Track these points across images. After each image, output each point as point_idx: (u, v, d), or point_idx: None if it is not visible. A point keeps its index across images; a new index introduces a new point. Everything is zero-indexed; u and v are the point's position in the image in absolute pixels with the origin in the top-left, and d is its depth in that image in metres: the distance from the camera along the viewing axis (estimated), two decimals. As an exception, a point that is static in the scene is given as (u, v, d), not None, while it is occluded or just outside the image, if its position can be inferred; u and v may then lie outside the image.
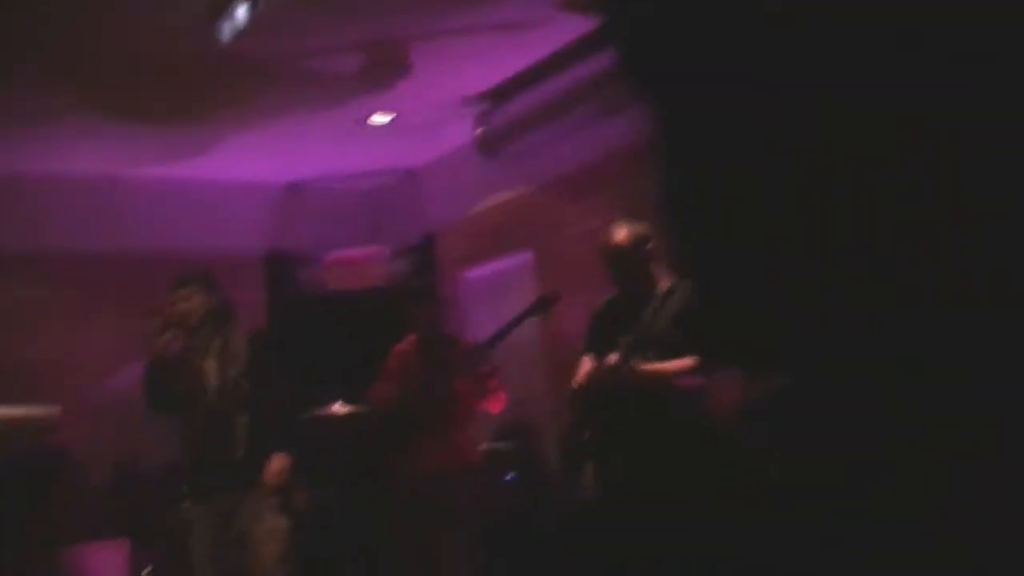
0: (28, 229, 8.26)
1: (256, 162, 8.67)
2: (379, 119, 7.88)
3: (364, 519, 7.35)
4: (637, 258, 5.12)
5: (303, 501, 6.12)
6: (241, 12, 5.70)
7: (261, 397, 5.70)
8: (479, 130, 7.80)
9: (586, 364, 5.35)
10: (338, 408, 6.97)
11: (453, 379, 6.39)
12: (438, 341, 6.69)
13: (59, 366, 8.18)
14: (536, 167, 7.79)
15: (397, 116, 7.84)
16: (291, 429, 5.88)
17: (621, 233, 5.13)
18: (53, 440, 6.42)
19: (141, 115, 7.36)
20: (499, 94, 7.58)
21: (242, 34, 5.82)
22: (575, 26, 6.53)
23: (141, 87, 6.96)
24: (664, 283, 5.14)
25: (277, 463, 5.66)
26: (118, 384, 8.03)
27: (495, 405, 6.60)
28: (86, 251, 8.44)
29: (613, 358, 4.99)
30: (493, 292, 8.56)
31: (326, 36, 6.36)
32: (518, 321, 6.03)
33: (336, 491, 7.19)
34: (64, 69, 6.55)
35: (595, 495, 5.26)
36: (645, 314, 5.08)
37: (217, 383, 5.74)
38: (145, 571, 7.25)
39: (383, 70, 6.76)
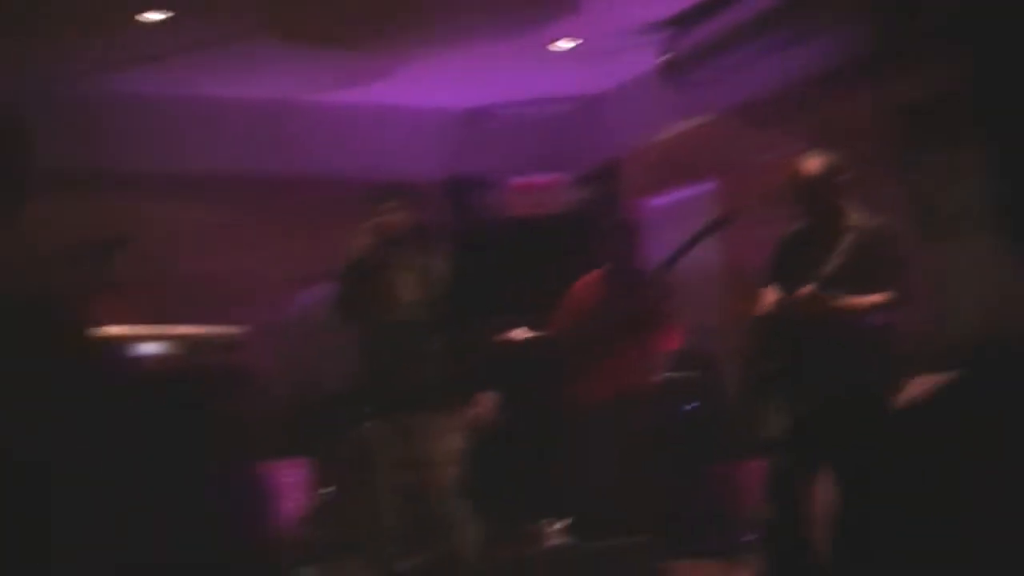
0: (209, 151, 8.44)
1: (438, 87, 8.68)
2: (563, 44, 7.80)
3: (543, 441, 7.36)
4: (828, 190, 4.99)
5: (483, 423, 6.12)
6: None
7: (451, 319, 5.70)
8: (664, 56, 7.64)
9: (769, 294, 5.24)
10: (518, 333, 6.98)
11: (634, 305, 6.32)
12: (627, 273, 6.59)
13: (239, 285, 8.35)
14: (722, 94, 7.61)
15: (581, 41, 7.75)
16: (476, 352, 5.88)
17: (813, 163, 4.99)
18: (235, 358, 6.54)
19: (322, 39, 7.40)
20: (685, 19, 7.40)
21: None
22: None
23: (322, 10, 7.00)
24: (854, 217, 5.01)
25: (487, 400, 5.68)
26: (299, 303, 8.16)
27: (672, 341, 6.50)
28: (267, 174, 8.60)
29: (807, 289, 4.87)
30: (676, 221, 8.43)
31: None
32: (694, 242, 5.93)
33: (515, 414, 7.19)
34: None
35: (778, 428, 5.17)
36: (837, 247, 4.96)
37: (412, 300, 5.74)
38: (325, 491, 7.39)
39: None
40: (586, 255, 6.74)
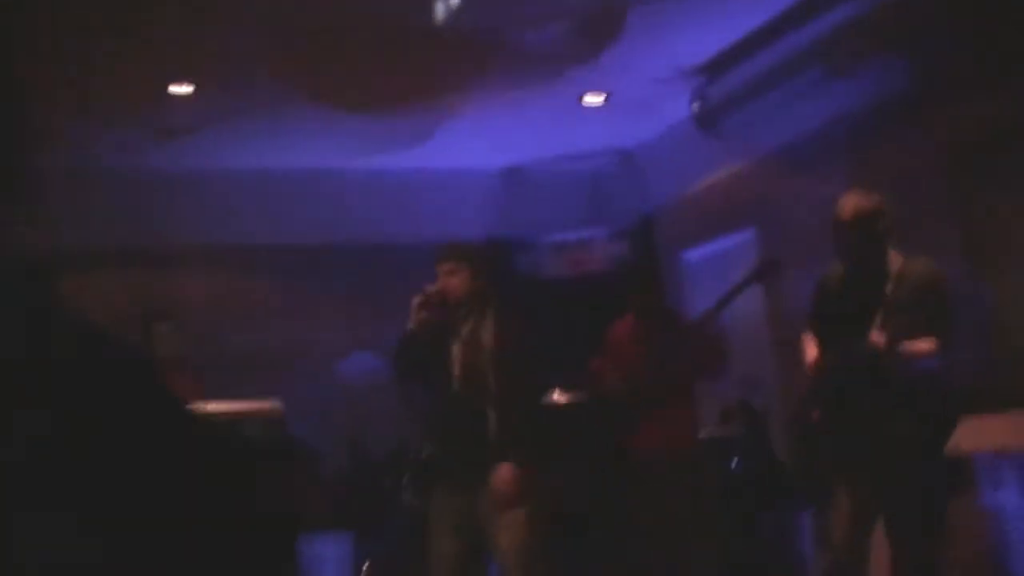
0: (254, 222, 8.44)
1: (473, 147, 8.66)
2: (593, 98, 7.75)
3: (594, 502, 7.26)
4: (872, 233, 4.86)
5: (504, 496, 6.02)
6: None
7: (505, 386, 5.57)
8: (696, 104, 7.57)
9: (810, 341, 5.14)
10: (558, 396, 6.89)
11: (676, 357, 6.22)
12: (660, 321, 6.52)
13: (288, 354, 8.34)
14: (758, 139, 7.53)
15: (612, 94, 7.70)
16: (530, 418, 5.74)
17: (856, 205, 4.86)
18: (283, 430, 6.49)
19: (360, 106, 7.41)
20: (717, 66, 7.34)
21: (456, 14, 5.77)
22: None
23: (360, 77, 7.01)
24: (897, 260, 4.89)
25: (505, 472, 5.46)
26: (346, 372, 8.13)
27: (719, 369, 6.37)
28: (308, 242, 8.58)
29: (878, 337, 4.75)
30: (716, 273, 8.34)
31: (538, 9, 6.27)
32: (742, 288, 5.81)
33: (565, 476, 7.10)
34: (286, 62, 6.64)
35: (829, 479, 5.05)
36: (880, 293, 4.85)
37: (460, 371, 5.61)
38: (365, 566, 7.30)
39: (597, 44, 6.64)
40: (624, 311, 6.67)
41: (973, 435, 5.26)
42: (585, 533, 7.12)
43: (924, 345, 4.71)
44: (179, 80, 6.83)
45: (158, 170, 8.09)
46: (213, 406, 6.18)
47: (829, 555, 5.07)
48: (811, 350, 5.14)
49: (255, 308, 8.52)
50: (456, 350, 5.61)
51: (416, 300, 5.56)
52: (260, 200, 8.51)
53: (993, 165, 5.96)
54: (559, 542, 6.88)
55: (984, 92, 5.88)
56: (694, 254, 8.53)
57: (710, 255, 8.47)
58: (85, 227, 7.88)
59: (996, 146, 5.89)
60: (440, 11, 5.85)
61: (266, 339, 8.39)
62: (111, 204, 8.01)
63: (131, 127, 7.43)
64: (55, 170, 7.55)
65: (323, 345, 8.51)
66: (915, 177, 6.21)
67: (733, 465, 7.11)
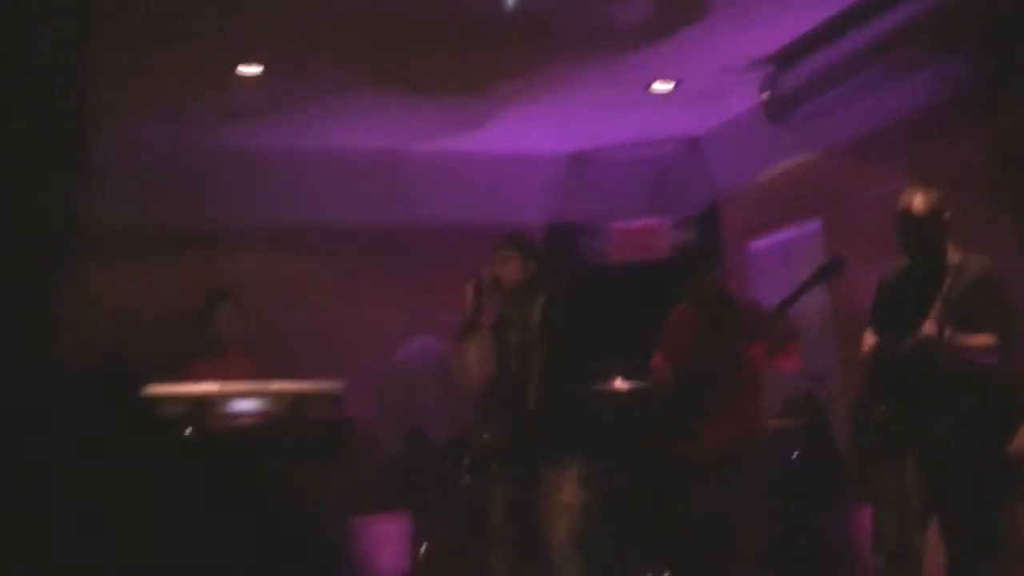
0: (316, 204, 8.48)
1: (538, 133, 8.64)
2: (662, 86, 7.71)
3: (653, 492, 7.24)
4: (935, 228, 4.87)
5: (593, 477, 6.01)
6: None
7: (556, 369, 5.59)
8: (765, 95, 7.51)
9: (870, 337, 5.12)
10: (619, 384, 6.88)
11: (741, 344, 6.19)
12: (723, 305, 6.47)
13: (347, 338, 8.39)
14: (825, 131, 7.46)
15: (680, 82, 7.65)
16: (584, 403, 5.75)
17: (920, 200, 4.86)
18: (342, 412, 6.53)
19: (425, 88, 7.42)
20: (786, 56, 7.27)
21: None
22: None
23: (426, 59, 7.01)
24: (955, 255, 4.87)
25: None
26: (406, 356, 8.15)
27: (790, 363, 6.35)
28: (371, 226, 8.62)
29: (930, 327, 4.72)
30: (780, 263, 8.28)
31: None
32: (808, 287, 5.77)
33: (623, 465, 7.08)
34: (352, 43, 6.66)
35: (889, 476, 5.01)
36: (944, 286, 4.81)
37: (516, 357, 5.66)
38: (423, 547, 7.32)
39: (666, 30, 6.60)
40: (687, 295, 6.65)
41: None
42: (641, 518, 7.11)
43: (982, 339, 4.70)
44: (247, 61, 6.86)
45: (225, 151, 8.14)
46: (276, 385, 6.25)
47: (884, 554, 5.03)
48: (867, 338, 5.14)
49: (316, 290, 8.56)
50: (512, 336, 5.67)
51: (469, 285, 5.63)
52: (323, 182, 8.54)
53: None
54: (613, 528, 6.88)
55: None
56: (759, 244, 8.46)
57: (775, 245, 8.40)
58: (153, 206, 7.96)
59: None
60: (509, -3, 5.85)
61: (327, 321, 8.43)
62: (178, 184, 8.07)
63: (199, 108, 7.48)
64: (125, 150, 7.64)
65: (383, 328, 8.55)
66: (973, 174, 6.14)
67: (794, 457, 7.07)
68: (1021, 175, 6.02)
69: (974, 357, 4.72)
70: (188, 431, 5.96)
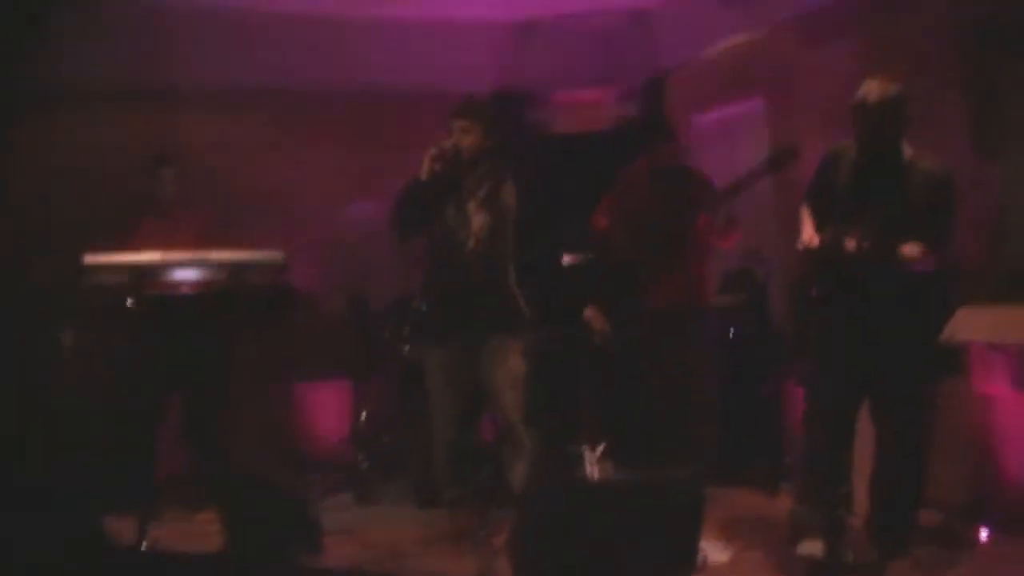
0: (256, 65, 8.34)
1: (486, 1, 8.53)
2: (612, -44, 7.62)
3: (601, 359, 7.34)
4: (892, 121, 4.83)
5: (541, 345, 6.07)
6: None
7: (517, 243, 5.60)
8: (715, -32, 7.46)
9: (807, 216, 5.16)
10: (566, 259, 6.92)
11: (691, 212, 6.24)
12: (678, 175, 6.51)
13: (288, 200, 8.33)
14: (773, 7, 7.41)
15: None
16: (539, 276, 5.78)
17: (882, 89, 4.80)
18: (284, 280, 6.53)
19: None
20: (738, -70, 7.21)
21: None
22: None
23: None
24: (908, 151, 4.88)
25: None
26: (348, 218, 8.13)
27: (728, 241, 6.43)
28: (315, 88, 8.51)
29: (851, 244, 4.78)
30: (722, 138, 8.30)
31: None
32: (757, 175, 5.77)
33: (572, 333, 7.15)
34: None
35: (822, 357, 5.12)
36: (888, 183, 4.84)
37: (477, 229, 5.61)
38: (363, 413, 7.40)
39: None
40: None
41: (970, 325, 5.31)
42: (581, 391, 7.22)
43: (912, 250, 4.73)
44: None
45: (170, 10, 7.96)
46: (217, 254, 6.23)
47: (815, 431, 5.15)
48: (807, 228, 5.16)
49: (260, 151, 8.47)
50: (472, 208, 5.62)
51: (430, 152, 5.55)
52: (269, 44, 8.39)
53: (1004, 40, 5.87)
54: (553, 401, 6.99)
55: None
56: (702, 119, 8.46)
57: (718, 121, 8.42)
58: (98, 64, 7.79)
59: (1007, 22, 5.80)
60: None
61: (270, 182, 8.36)
62: (123, 42, 7.88)
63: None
64: (73, 7, 7.47)
65: (326, 192, 8.51)
66: (925, 52, 6.13)
67: (731, 334, 7.18)
68: (977, 56, 5.99)
69: (907, 267, 4.77)
70: (129, 300, 5.96)
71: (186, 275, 6.26)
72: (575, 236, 7.00)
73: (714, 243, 6.41)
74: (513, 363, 5.60)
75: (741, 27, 7.82)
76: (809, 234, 5.11)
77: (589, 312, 6.73)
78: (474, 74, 8.78)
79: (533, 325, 5.71)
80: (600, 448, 6.86)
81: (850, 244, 4.80)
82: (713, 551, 5.32)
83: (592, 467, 6.75)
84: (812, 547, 5.02)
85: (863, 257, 4.76)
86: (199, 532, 5.96)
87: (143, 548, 5.67)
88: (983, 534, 5.42)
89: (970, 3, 5.96)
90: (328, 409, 8.11)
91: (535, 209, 5.71)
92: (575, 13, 8.80)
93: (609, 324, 6.71)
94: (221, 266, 6.24)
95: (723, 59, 8.11)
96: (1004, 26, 5.82)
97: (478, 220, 5.60)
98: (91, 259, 5.90)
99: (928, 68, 6.03)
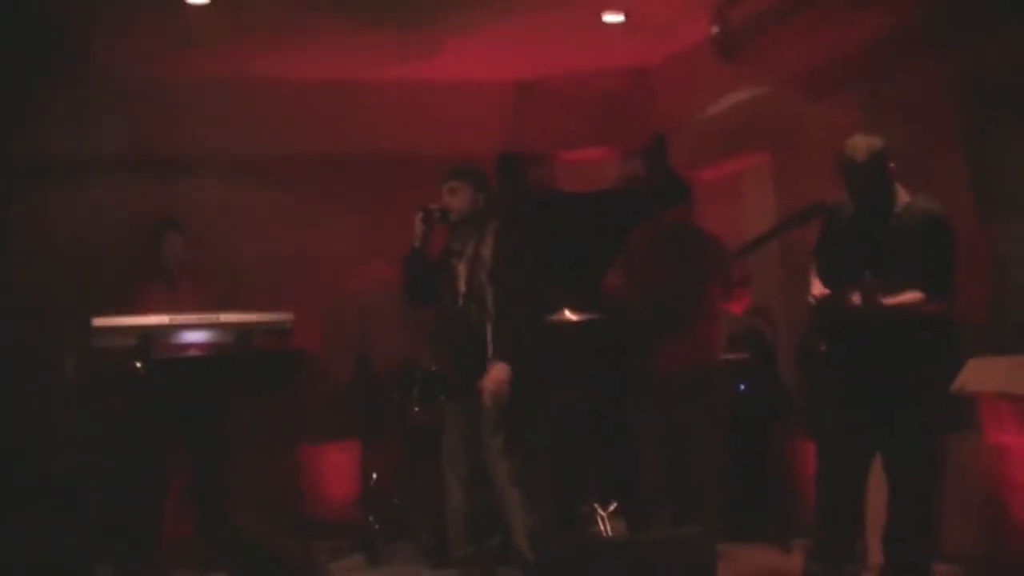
0: (265, 131, 8.41)
1: (487, 61, 8.58)
2: (612, 16, 7.68)
3: (605, 420, 7.33)
4: (878, 176, 4.90)
5: (541, 405, 6.05)
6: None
7: (507, 301, 5.61)
8: (715, 28, 7.50)
9: (814, 274, 5.18)
10: (568, 315, 6.91)
11: (704, 276, 6.25)
12: (690, 237, 6.52)
13: (297, 266, 8.38)
14: (774, 65, 7.46)
15: (631, 12, 7.62)
16: (533, 333, 5.77)
17: (862, 149, 4.88)
18: (289, 343, 6.55)
19: (373, 16, 7.34)
20: (737, -11, 7.26)
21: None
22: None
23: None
24: (904, 196, 4.93)
25: (497, 372, 5.53)
26: (355, 284, 8.15)
27: (738, 305, 6.44)
28: (321, 151, 8.56)
29: (856, 297, 4.79)
30: (727, 194, 8.33)
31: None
32: (782, 229, 5.77)
33: (575, 394, 7.15)
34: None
35: (831, 414, 5.10)
36: (886, 232, 4.88)
37: (465, 287, 5.68)
38: (374, 475, 7.38)
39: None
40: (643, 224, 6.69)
41: (980, 376, 5.30)
42: (590, 452, 7.20)
43: (909, 297, 4.76)
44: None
45: (174, 79, 8.05)
46: (225, 317, 6.26)
47: (826, 487, 5.14)
48: (816, 284, 5.19)
49: (266, 217, 8.53)
50: (460, 267, 5.70)
51: (418, 215, 5.65)
52: (275, 110, 8.46)
53: (1003, 98, 5.91)
54: (560, 462, 6.96)
55: (996, 26, 5.82)
56: (707, 175, 8.50)
57: (721, 178, 8.45)
58: (102, 134, 7.89)
59: (1006, 79, 5.85)
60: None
61: (277, 249, 8.42)
62: (127, 112, 7.99)
63: (148, 36, 7.38)
64: (77, 78, 7.56)
65: (333, 256, 8.54)
66: (926, 109, 6.18)
67: (740, 389, 7.17)
68: (975, 114, 6.05)
69: (907, 314, 4.79)
70: (137, 363, 5.98)
71: (194, 337, 6.30)
72: (580, 294, 7.01)
73: (725, 306, 6.44)
74: (509, 427, 5.61)
75: (742, 84, 7.86)
76: (817, 289, 5.13)
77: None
78: (480, 134, 8.84)
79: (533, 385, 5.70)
80: (611, 507, 6.85)
81: (855, 298, 4.80)
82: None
83: (603, 525, 6.72)
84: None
85: (869, 308, 4.77)
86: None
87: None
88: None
89: (968, 60, 6.01)
90: (337, 471, 8.09)
91: (529, 267, 5.73)
92: (578, 73, 8.86)
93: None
94: (229, 328, 6.28)
95: (725, 116, 8.15)
96: (1001, 83, 5.86)
97: (465, 279, 5.67)
98: (99, 322, 5.93)
99: (929, 124, 6.08)
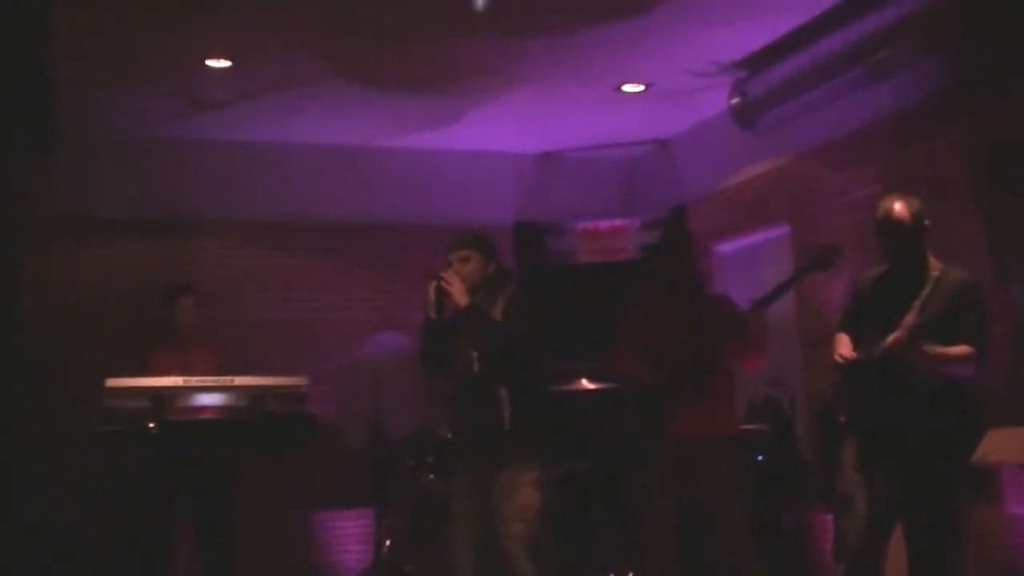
0: (283, 197, 8.45)
1: (508, 131, 8.64)
2: (632, 87, 7.72)
3: (618, 491, 7.25)
4: (916, 234, 4.85)
5: (554, 476, 5.99)
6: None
7: (524, 370, 5.56)
8: (735, 99, 7.51)
9: (842, 340, 5.10)
10: (585, 384, 6.87)
11: (717, 340, 6.15)
12: (702, 301, 6.41)
13: (311, 332, 8.37)
14: (793, 137, 7.47)
15: (651, 84, 7.66)
16: (547, 402, 5.72)
17: (901, 206, 4.83)
18: (305, 406, 6.52)
19: (394, 84, 7.40)
20: (756, 62, 7.28)
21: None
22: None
23: (396, 58, 7.00)
24: (936, 264, 4.88)
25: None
26: (370, 350, 8.13)
27: (756, 364, 6.30)
28: (339, 220, 8.59)
29: (901, 333, 4.73)
30: (746, 266, 8.30)
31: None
32: (800, 276, 5.69)
33: (593, 463, 7.08)
34: (320, 39, 6.64)
35: (852, 481, 5.02)
36: (920, 296, 4.82)
37: (479, 355, 5.63)
38: (387, 543, 7.31)
39: (638, 32, 6.60)
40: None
41: (1000, 446, 5.23)
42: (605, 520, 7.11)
43: (959, 349, 4.69)
44: (216, 55, 6.82)
45: (192, 142, 8.11)
46: (239, 380, 6.23)
47: (846, 558, 5.05)
48: (842, 344, 5.10)
49: (281, 282, 8.54)
50: (472, 336, 5.65)
51: (430, 286, 5.62)
52: (291, 175, 8.52)
53: (1014, 164, 5.90)
54: (575, 531, 6.88)
55: (1008, 95, 5.83)
56: (725, 247, 8.48)
57: (741, 249, 8.43)
58: (119, 194, 7.94)
59: (1017, 147, 5.84)
60: (480, -2, 5.86)
61: (292, 315, 8.42)
62: (144, 174, 8.05)
63: (167, 99, 7.45)
64: (93, 139, 7.61)
65: (348, 322, 8.53)
66: (944, 178, 6.17)
67: (759, 460, 7.09)
68: (990, 181, 6.03)
69: (951, 368, 4.72)
70: (151, 424, 5.95)
71: (208, 400, 6.27)
72: (596, 365, 6.96)
73: (744, 364, 6.32)
74: (523, 494, 5.52)
75: (762, 155, 7.87)
76: (845, 349, 5.04)
77: None
78: (499, 204, 8.86)
79: (546, 455, 5.64)
80: (628, 576, 6.76)
81: (899, 334, 4.72)
82: None
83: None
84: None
85: (912, 345, 4.69)
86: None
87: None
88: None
89: (983, 129, 6.00)
90: (349, 538, 8.02)
91: (539, 335, 5.68)
92: (598, 144, 8.90)
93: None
94: (242, 392, 6.25)
95: (745, 187, 8.15)
96: (1016, 150, 5.86)
97: (478, 346, 5.63)
98: (113, 383, 5.92)
99: (946, 192, 6.06)
